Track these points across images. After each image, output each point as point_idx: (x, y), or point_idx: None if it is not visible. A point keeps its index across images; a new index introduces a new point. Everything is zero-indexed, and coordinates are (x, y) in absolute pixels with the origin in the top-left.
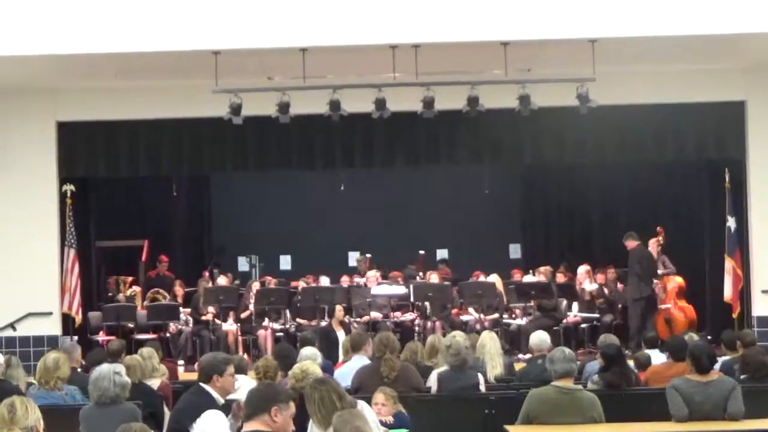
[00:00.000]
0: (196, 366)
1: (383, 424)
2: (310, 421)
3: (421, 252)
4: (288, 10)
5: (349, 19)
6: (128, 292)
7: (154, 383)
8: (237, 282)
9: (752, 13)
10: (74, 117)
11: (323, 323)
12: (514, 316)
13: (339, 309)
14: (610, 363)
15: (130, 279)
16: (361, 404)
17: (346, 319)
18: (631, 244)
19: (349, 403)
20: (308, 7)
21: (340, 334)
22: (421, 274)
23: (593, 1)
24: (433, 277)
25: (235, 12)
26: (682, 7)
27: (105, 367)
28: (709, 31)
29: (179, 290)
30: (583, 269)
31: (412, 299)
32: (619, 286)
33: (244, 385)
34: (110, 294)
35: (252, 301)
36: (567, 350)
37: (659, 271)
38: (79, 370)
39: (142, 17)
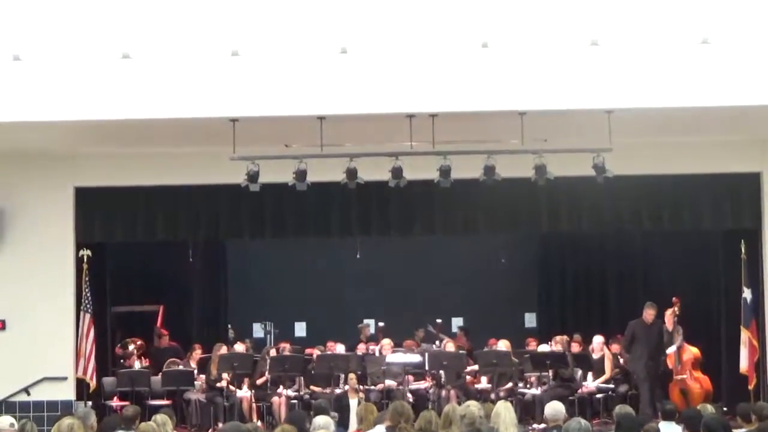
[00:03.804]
0: None
1: None
2: None
3: (438, 320)
4: (305, 79)
5: (367, 88)
6: (130, 353)
7: None
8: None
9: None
10: (92, 182)
11: (338, 391)
12: (529, 385)
13: (352, 377)
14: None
15: (139, 342)
16: None
17: (360, 387)
18: (654, 313)
19: None
20: (326, 76)
21: (354, 402)
22: (437, 342)
23: (610, 72)
24: (449, 346)
25: (253, 80)
26: (698, 79)
27: None
28: (725, 103)
29: (195, 356)
30: (597, 340)
31: (426, 367)
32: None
33: None
34: (120, 354)
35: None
36: (583, 421)
37: (676, 344)
38: None
39: (160, 84)
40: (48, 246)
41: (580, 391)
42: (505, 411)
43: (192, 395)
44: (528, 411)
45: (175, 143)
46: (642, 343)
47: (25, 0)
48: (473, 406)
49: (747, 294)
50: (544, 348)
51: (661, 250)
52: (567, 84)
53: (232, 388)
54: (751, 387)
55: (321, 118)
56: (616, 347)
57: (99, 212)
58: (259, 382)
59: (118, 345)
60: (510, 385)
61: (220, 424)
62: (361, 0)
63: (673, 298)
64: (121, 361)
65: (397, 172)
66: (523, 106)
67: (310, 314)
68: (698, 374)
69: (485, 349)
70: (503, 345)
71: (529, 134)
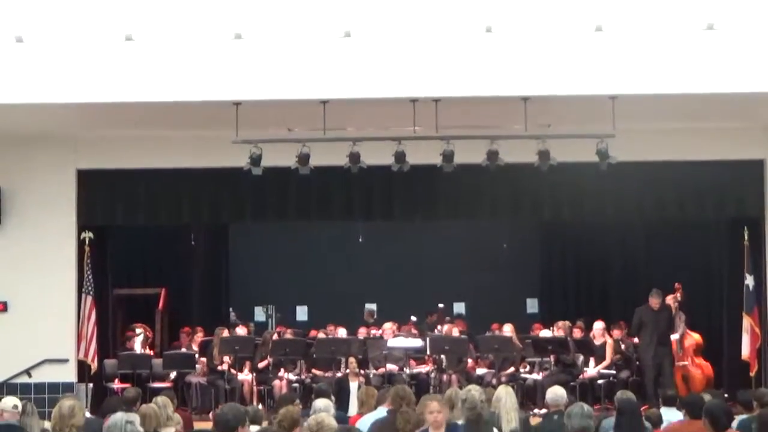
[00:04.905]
0: (211, 415)
1: None
2: None
3: (440, 305)
4: (309, 63)
5: (370, 72)
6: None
7: None
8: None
9: None
10: (94, 165)
11: (339, 374)
12: (530, 370)
13: (352, 361)
14: (625, 418)
15: (149, 333)
16: None
17: (361, 371)
18: (659, 301)
19: None
20: (329, 60)
21: (354, 386)
22: (439, 327)
23: (613, 58)
24: (454, 331)
25: (257, 64)
26: (702, 66)
27: (118, 416)
28: (728, 90)
29: (197, 339)
30: (598, 326)
31: (428, 352)
32: (637, 341)
33: None
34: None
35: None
36: (585, 406)
37: (679, 330)
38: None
39: (163, 67)
40: (50, 228)
41: (581, 376)
42: (506, 396)
43: (193, 378)
44: (529, 396)
45: (178, 126)
46: (649, 329)
47: None
48: (474, 390)
49: (749, 281)
50: (546, 333)
51: (663, 236)
52: (571, 69)
53: (233, 371)
54: (752, 374)
55: (324, 102)
56: (617, 333)
57: (101, 195)
58: (261, 365)
59: (128, 329)
60: (512, 370)
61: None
62: None
63: (675, 284)
64: (123, 343)
65: (399, 157)
66: (526, 92)
67: (311, 298)
68: (700, 360)
69: (487, 334)
70: (508, 329)
71: (532, 120)
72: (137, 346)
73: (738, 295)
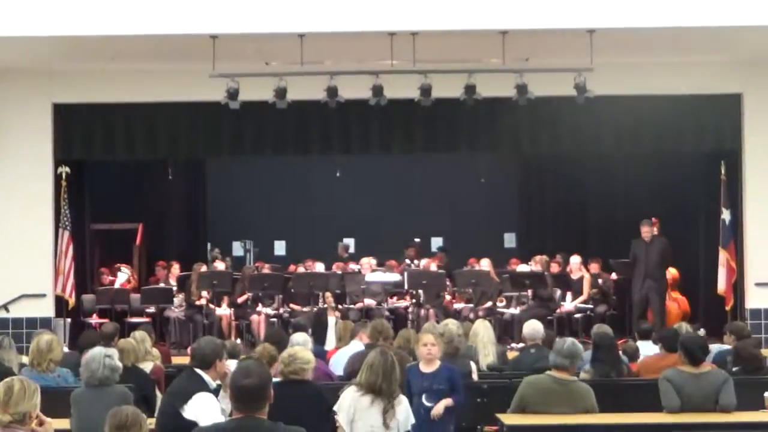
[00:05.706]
0: (189, 350)
1: None
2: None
3: (417, 239)
4: None
5: (348, 5)
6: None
7: (147, 366)
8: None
9: (750, 6)
10: (71, 99)
11: (316, 309)
12: (507, 304)
13: (328, 296)
14: (602, 352)
15: (134, 278)
16: (401, 398)
17: (339, 306)
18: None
19: (391, 391)
20: None
21: (332, 320)
22: (415, 261)
23: None
24: (432, 265)
25: None
26: None
27: (97, 350)
28: (706, 23)
29: (173, 272)
30: (574, 260)
31: (406, 287)
32: (614, 276)
33: None
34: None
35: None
36: (568, 342)
37: None
38: None
39: (140, 0)
40: (26, 163)
41: (558, 310)
42: (483, 330)
43: (171, 313)
44: (506, 330)
45: (155, 60)
46: (640, 262)
47: None
48: (452, 324)
49: (726, 215)
50: (523, 268)
51: (641, 170)
52: (549, 3)
53: (211, 306)
54: (728, 308)
55: (301, 36)
56: (594, 267)
57: (78, 129)
58: (240, 300)
59: (107, 267)
60: (489, 304)
61: None
62: None
63: (652, 219)
64: (99, 278)
65: (377, 91)
66: (504, 25)
67: (289, 233)
68: (676, 295)
69: (465, 269)
70: (486, 264)
71: (510, 53)
72: (117, 282)
73: (714, 230)
